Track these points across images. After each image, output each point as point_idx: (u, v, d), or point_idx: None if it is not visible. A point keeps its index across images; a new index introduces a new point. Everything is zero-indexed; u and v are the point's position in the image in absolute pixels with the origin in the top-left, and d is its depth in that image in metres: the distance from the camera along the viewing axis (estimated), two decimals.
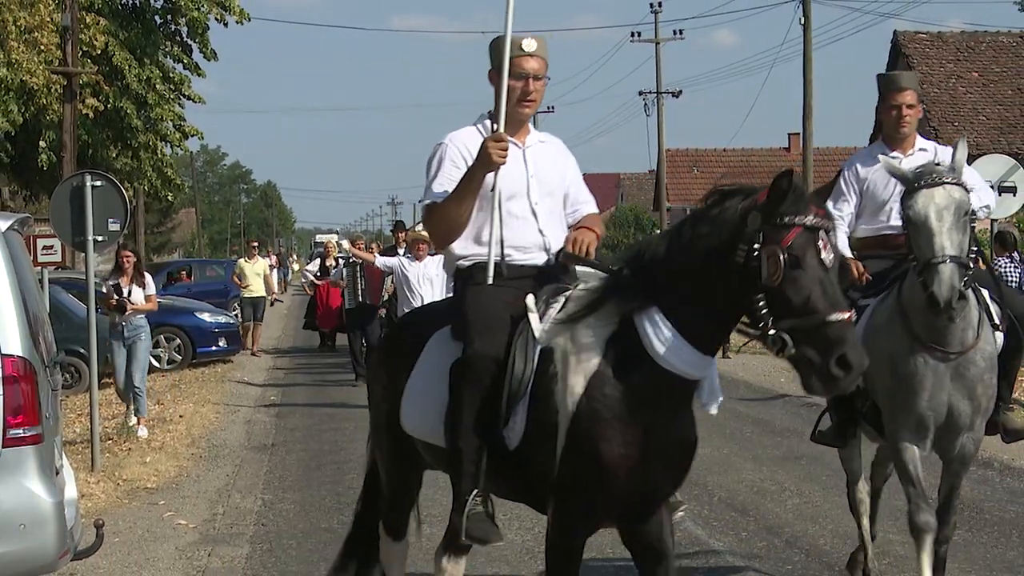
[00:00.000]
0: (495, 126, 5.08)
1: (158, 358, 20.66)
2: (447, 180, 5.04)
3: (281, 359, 23.20)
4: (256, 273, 23.96)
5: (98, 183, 11.31)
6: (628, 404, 4.47)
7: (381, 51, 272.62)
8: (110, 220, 11.30)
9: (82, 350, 14.28)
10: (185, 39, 26.37)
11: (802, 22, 31.58)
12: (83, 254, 11.98)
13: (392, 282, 17.05)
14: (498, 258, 5.04)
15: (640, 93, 46.28)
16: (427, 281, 14.85)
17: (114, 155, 25.91)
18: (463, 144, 5.10)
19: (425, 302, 14.62)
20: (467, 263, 5.11)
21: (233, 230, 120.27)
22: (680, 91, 46.73)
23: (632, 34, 46.09)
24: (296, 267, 57.98)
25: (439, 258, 15.46)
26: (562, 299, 4.76)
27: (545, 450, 4.56)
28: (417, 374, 5.07)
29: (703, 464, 11.10)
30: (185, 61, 26.53)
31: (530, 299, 4.81)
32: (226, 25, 25.76)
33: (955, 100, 33.24)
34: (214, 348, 21.28)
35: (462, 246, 5.11)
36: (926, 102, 34.76)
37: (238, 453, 12.48)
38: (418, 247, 15.07)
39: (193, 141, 28.34)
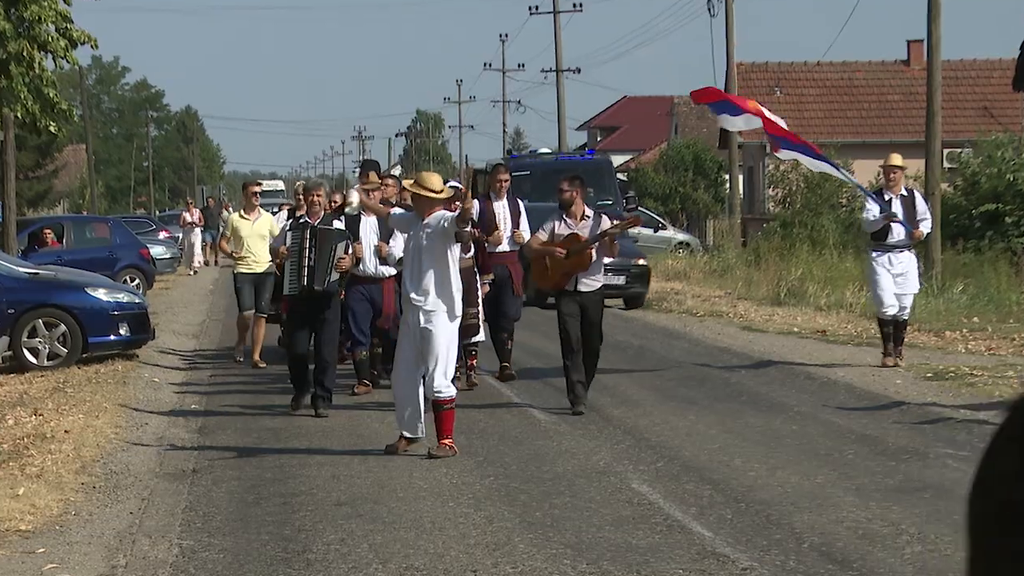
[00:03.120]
0: None
1: (35, 351, 20.66)
2: None
3: (206, 352, 23.27)
4: (261, 235, 20.57)
5: None
6: None
7: None
8: None
9: None
10: None
11: None
12: None
13: (346, 252, 15.83)
14: None
15: None
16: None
17: None
18: None
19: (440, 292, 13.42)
20: None
21: (138, 175, 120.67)
22: None
23: None
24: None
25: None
26: None
27: None
28: None
29: (788, 498, 11.08)
30: None
31: None
32: None
33: None
34: (113, 338, 21.26)
35: None
36: None
37: (146, 483, 12.47)
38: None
39: (84, 51, 28.35)
